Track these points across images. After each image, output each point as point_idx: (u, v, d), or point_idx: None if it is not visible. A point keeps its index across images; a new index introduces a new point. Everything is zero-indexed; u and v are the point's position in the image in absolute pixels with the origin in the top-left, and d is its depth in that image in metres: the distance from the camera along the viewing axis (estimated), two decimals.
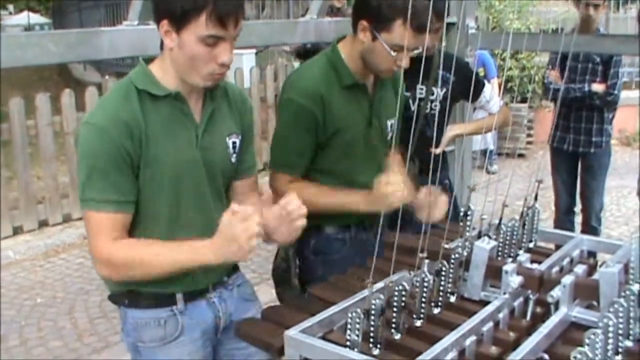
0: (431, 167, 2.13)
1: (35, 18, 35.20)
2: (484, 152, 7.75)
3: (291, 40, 4.04)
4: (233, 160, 2.20)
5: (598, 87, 5.04)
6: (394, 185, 2.34)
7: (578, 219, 5.54)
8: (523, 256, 2.05)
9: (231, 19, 1.89)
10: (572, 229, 5.31)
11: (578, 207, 5.53)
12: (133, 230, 2.03)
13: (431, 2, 2.14)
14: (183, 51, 1.92)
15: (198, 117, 2.08)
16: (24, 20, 34.75)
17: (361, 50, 2.51)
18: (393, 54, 2.41)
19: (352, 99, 2.59)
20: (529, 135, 10.05)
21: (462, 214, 2.22)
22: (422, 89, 3.36)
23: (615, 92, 5.04)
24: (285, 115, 2.59)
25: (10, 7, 39.72)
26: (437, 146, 3.31)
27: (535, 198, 2.31)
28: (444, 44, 3.61)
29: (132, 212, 2.00)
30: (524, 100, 9.87)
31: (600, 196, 5.39)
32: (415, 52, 2.46)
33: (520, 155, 9.79)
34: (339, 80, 2.57)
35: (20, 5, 37.50)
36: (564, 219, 5.49)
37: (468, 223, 2.18)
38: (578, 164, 5.38)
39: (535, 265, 2.02)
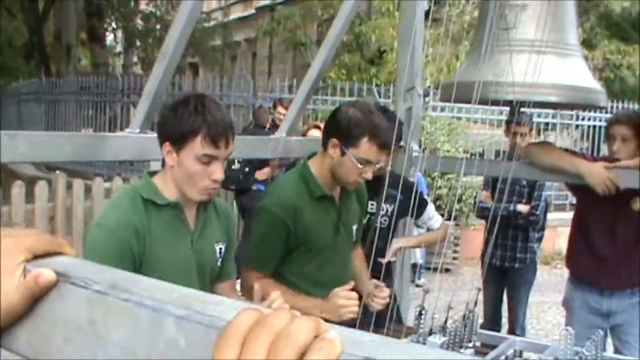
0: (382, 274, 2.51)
1: None
2: (413, 266, 8.12)
3: (264, 155, 4.42)
4: (219, 264, 2.56)
5: (523, 208, 5.54)
6: (348, 301, 2.73)
7: (504, 330, 5.91)
8: (468, 351, 2.41)
9: (222, 140, 2.27)
10: None
11: (505, 318, 5.94)
12: None
13: (391, 122, 2.59)
14: (182, 169, 2.29)
15: (192, 225, 2.44)
16: None
17: (331, 165, 2.90)
18: (360, 166, 2.82)
19: (321, 208, 2.96)
20: (455, 252, 10.43)
21: (416, 313, 2.58)
22: (372, 204, 3.76)
23: (538, 212, 5.54)
24: (261, 221, 2.94)
25: None
26: (384, 256, 3.71)
27: (475, 304, 2.69)
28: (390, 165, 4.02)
29: None
30: (451, 218, 10.33)
31: (524, 308, 5.81)
32: (378, 165, 2.88)
33: (447, 270, 10.19)
34: (309, 192, 2.94)
35: None
36: (491, 327, 5.86)
37: (422, 321, 2.54)
38: (505, 278, 5.79)
39: None
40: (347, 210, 3.09)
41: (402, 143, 4.12)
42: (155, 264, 2.28)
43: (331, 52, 3.43)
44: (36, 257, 0.80)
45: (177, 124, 2.26)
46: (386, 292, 3.12)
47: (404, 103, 4.10)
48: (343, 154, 2.84)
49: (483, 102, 3.78)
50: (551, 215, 10.50)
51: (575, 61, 3.98)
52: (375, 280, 3.15)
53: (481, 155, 11.60)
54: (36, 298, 0.75)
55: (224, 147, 2.29)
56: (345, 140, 2.83)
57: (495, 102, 4.02)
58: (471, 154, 10.88)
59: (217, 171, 2.30)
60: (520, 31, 3.86)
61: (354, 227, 3.17)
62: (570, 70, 3.87)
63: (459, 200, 10.26)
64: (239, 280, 3.00)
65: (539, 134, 12.80)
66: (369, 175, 2.86)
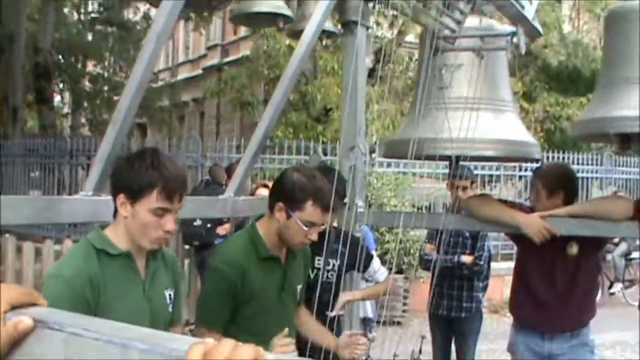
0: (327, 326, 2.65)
1: None
2: (363, 320, 8.20)
3: (213, 215, 4.53)
4: (170, 309, 2.66)
5: (466, 259, 5.71)
6: (283, 344, 2.87)
7: None
8: None
9: (177, 195, 2.42)
10: None
11: None
12: None
13: (334, 186, 2.74)
14: (136, 220, 2.41)
15: (143, 273, 2.54)
16: None
17: (277, 227, 3.04)
18: (305, 228, 2.96)
19: (267, 268, 3.09)
20: (404, 304, 10.53)
21: None
22: (319, 260, 3.89)
23: (482, 262, 5.73)
24: (211, 279, 3.07)
25: None
26: (331, 310, 3.83)
27: (420, 351, 2.82)
28: (336, 221, 4.16)
29: None
30: (400, 272, 10.48)
31: (472, 356, 5.93)
32: (322, 227, 3.03)
33: (397, 323, 10.27)
34: (257, 252, 3.07)
35: None
36: None
37: None
38: (452, 328, 5.91)
39: None
40: (292, 270, 3.22)
41: (346, 200, 4.27)
42: (110, 311, 2.36)
43: (277, 111, 3.58)
44: (14, 307, 0.93)
45: (133, 177, 2.38)
46: (363, 339, 3.27)
47: (347, 161, 4.25)
48: (289, 217, 2.98)
49: (421, 158, 3.97)
50: (498, 265, 10.76)
51: (509, 116, 4.21)
52: (346, 332, 3.29)
53: (427, 208, 11.84)
54: (16, 342, 0.88)
55: (177, 201, 2.42)
56: (290, 203, 2.98)
57: (433, 158, 4.21)
58: (418, 208, 11.11)
59: (169, 222, 2.42)
60: (456, 89, 4.07)
61: (299, 287, 3.31)
62: (504, 125, 4.09)
63: (407, 254, 10.42)
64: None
65: (484, 186, 13.12)
66: (314, 237, 3.01)
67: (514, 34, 3.20)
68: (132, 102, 2.78)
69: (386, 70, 14.19)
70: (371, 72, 18.26)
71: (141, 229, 2.42)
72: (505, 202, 4.31)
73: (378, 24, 14.98)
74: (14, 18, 19.36)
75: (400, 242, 10.44)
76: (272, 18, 3.97)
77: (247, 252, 3.06)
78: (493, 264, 6.77)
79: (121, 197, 2.42)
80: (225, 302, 3.01)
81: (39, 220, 2.70)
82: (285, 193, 3.00)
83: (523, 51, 3.37)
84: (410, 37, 15.94)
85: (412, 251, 10.42)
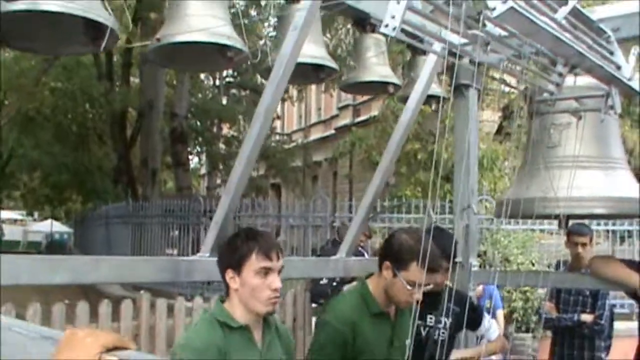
0: None
1: (58, 226, 36.41)
2: None
3: (325, 275, 4.70)
4: None
5: (587, 318, 5.61)
6: None
7: None
8: None
9: (274, 253, 2.66)
10: None
11: None
12: None
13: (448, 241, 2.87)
14: (245, 287, 2.66)
15: (260, 344, 2.75)
16: (46, 227, 35.94)
17: (385, 285, 3.18)
18: (410, 288, 3.08)
19: (377, 324, 3.23)
20: None
21: None
22: (431, 318, 3.97)
23: (602, 322, 5.60)
24: (321, 333, 3.22)
25: (36, 214, 41.22)
26: None
27: None
28: (449, 280, 4.23)
29: None
30: (528, 330, 10.30)
31: None
32: (428, 287, 3.13)
33: None
34: (367, 309, 3.22)
35: (45, 214, 39.02)
36: None
37: None
38: None
39: None
40: (401, 326, 3.33)
41: (459, 259, 4.33)
42: None
43: (384, 177, 3.73)
44: (108, 350, 1.25)
45: (233, 252, 2.67)
46: None
47: (461, 221, 4.34)
48: (395, 276, 3.13)
49: (532, 217, 4.00)
50: (631, 324, 10.34)
51: (621, 173, 4.17)
52: None
53: (556, 266, 11.56)
54: None
55: (276, 259, 2.66)
56: (396, 264, 3.13)
57: (546, 217, 4.23)
58: (548, 265, 10.89)
59: (275, 281, 2.66)
60: (565, 148, 4.10)
61: (407, 342, 3.40)
62: (615, 183, 4.06)
63: (535, 312, 10.22)
64: None
65: (622, 242, 12.72)
66: (419, 296, 3.11)
67: (608, 95, 3.22)
68: (242, 174, 3.01)
69: (513, 127, 14.05)
70: (499, 129, 18.16)
71: (251, 294, 2.65)
72: (631, 262, 4.26)
73: (504, 81, 14.92)
74: (152, 85, 20.48)
75: (528, 301, 10.28)
76: (381, 86, 4.14)
77: (357, 308, 3.22)
78: (627, 324, 6.59)
79: (229, 273, 2.69)
80: (335, 357, 3.15)
81: (159, 279, 2.96)
82: (392, 253, 3.16)
83: (619, 111, 3.37)
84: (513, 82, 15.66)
85: (539, 310, 10.20)
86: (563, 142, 4.11)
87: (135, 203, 18.71)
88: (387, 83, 4.03)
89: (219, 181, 31.69)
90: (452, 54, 2.79)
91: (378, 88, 4.19)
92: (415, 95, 3.63)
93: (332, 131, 30.50)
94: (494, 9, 2.27)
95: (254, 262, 2.63)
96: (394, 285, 3.14)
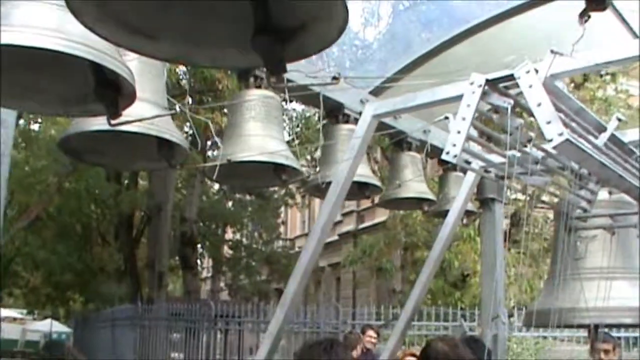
0: None
1: (57, 326, 36.09)
2: None
3: None
4: None
5: None
6: None
7: None
8: None
9: None
10: None
11: None
12: None
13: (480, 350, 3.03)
14: None
15: None
16: (45, 327, 35.62)
17: None
18: None
19: None
20: None
21: None
22: None
23: None
24: None
25: (36, 312, 40.85)
26: None
27: None
28: None
29: None
30: None
31: None
32: None
33: None
34: None
35: (45, 312, 38.68)
36: None
37: None
38: None
39: None
40: None
41: None
42: None
43: (424, 290, 3.91)
44: None
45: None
46: None
47: (490, 331, 4.47)
48: None
49: (561, 327, 4.15)
50: None
51: None
52: None
53: None
54: None
55: None
56: None
57: (573, 326, 4.38)
58: None
59: None
60: (590, 260, 4.29)
61: None
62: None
63: None
64: None
65: (633, 347, 12.70)
66: None
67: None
68: (298, 286, 3.21)
69: (521, 233, 14.26)
70: (506, 236, 18.30)
71: None
72: None
73: (509, 188, 15.17)
74: (162, 189, 20.69)
75: None
76: (416, 202, 4.35)
77: None
78: None
79: None
80: None
81: None
82: None
83: None
84: (544, 197, 15.95)
85: None
86: (589, 254, 4.31)
87: (142, 306, 18.64)
88: (423, 199, 4.25)
89: (222, 284, 31.58)
90: (487, 171, 3.01)
91: (414, 204, 4.41)
92: (455, 210, 3.85)
93: (336, 237, 30.51)
94: (550, 140, 2.49)
95: None
96: None
